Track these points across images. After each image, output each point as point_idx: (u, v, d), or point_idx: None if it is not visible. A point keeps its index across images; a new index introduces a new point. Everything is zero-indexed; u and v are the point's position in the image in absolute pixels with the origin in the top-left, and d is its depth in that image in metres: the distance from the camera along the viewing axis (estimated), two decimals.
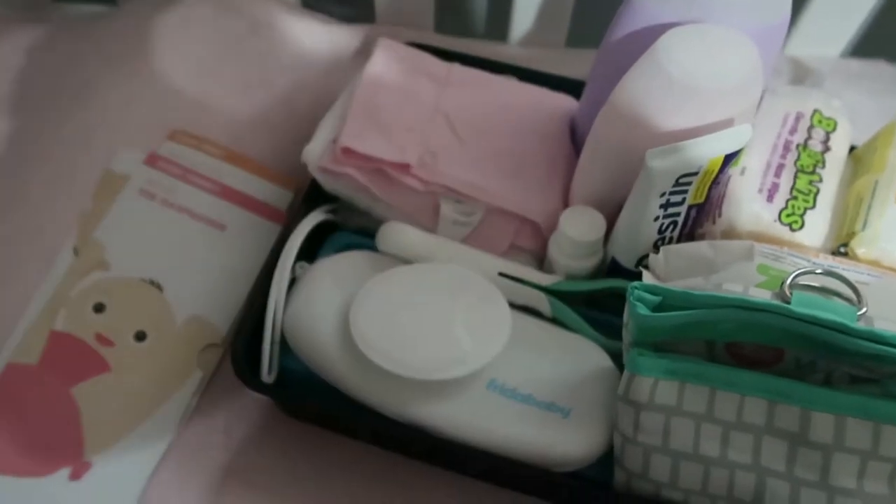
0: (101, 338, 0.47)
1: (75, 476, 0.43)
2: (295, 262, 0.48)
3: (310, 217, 0.50)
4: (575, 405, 0.43)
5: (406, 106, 0.52)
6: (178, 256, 0.52)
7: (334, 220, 0.53)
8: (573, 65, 0.60)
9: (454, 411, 0.43)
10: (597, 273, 0.49)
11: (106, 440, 0.45)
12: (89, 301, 0.48)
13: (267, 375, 0.45)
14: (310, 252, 0.49)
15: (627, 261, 0.47)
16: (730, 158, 0.42)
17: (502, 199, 0.50)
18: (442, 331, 0.44)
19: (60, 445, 0.44)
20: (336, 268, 0.48)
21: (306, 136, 0.58)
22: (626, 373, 0.40)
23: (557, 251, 0.48)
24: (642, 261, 0.47)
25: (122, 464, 0.44)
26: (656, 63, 0.40)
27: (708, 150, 0.41)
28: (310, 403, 0.46)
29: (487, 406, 0.43)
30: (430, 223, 0.51)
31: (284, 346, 0.46)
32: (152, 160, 0.55)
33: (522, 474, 0.43)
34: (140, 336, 0.48)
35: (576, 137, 0.55)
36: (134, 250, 0.51)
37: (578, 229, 0.47)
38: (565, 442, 0.42)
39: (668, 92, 0.40)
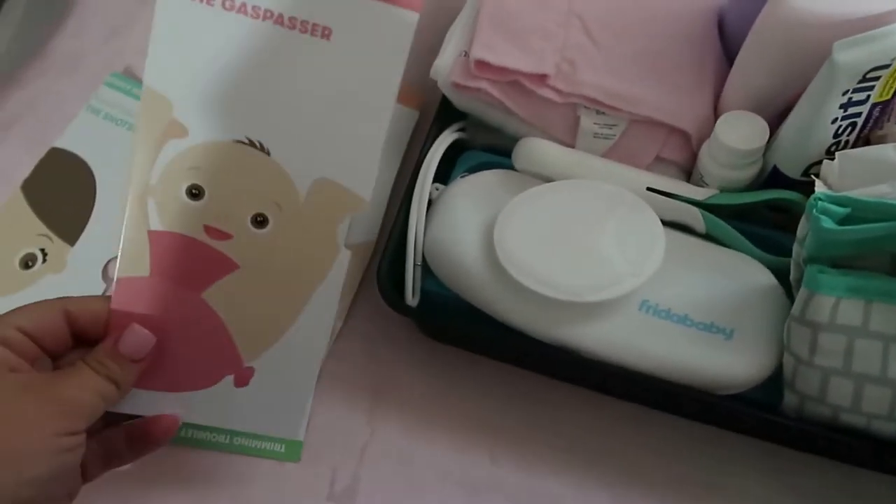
0: (211, 230, 0.38)
1: (241, 383, 0.39)
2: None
3: (443, 136, 0.48)
4: (738, 325, 0.41)
5: (538, 10, 0.48)
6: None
7: (465, 138, 0.51)
8: None
9: (606, 333, 0.41)
10: (753, 184, 0.45)
11: (259, 343, 0.39)
12: (179, 185, 0.37)
13: (411, 298, 0.45)
14: (439, 174, 0.48)
15: (792, 169, 0.43)
16: None
17: (648, 107, 0.46)
18: (592, 250, 0.42)
19: (215, 354, 0.38)
20: (473, 188, 0.46)
21: (424, 49, 0.55)
22: (802, 291, 0.37)
23: (711, 161, 0.45)
24: (810, 169, 0.43)
25: (286, 364, 0.39)
26: None
27: None
28: (454, 327, 0.45)
29: (641, 328, 0.41)
30: (569, 138, 0.48)
31: (426, 268, 0.45)
32: None
33: (682, 397, 0.41)
34: (260, 220, 0.38)
35: (725, 34, 0.49)
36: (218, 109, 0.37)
37: (738, 136, 0.43)
38: (730, 364, 0.40)
39: None
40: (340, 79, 0.37)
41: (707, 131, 0.46)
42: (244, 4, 0.36)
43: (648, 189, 0.45)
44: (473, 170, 0.49)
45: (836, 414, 0.37)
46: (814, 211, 0.35)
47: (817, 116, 0.39)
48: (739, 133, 0.43)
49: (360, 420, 0.45)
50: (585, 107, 0.47)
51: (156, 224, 0.37)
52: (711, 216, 0.44)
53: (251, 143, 0.37)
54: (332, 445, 0.44)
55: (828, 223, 0.34)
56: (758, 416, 0.40)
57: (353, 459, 0.44)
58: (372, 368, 0.47)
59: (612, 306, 0.41)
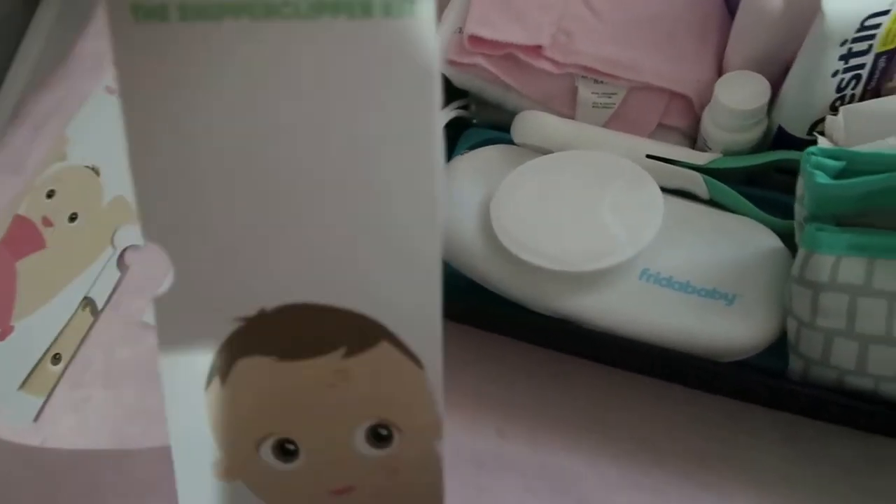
0: (45, 219, 0.52)
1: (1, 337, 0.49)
2: None
3: (442, 114, 0.48)
4: (740, 291, 0.39)
5: None
6: None
7: (466, 115, 0.51)
8: None
9: (606, 303, 0.41)
10: (760, 146, 0.44)
11: (26, 310, 0.49)
12: (45, 189, 0.54)
13: None
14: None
15: (797, 128, 0.42)
16: None
17: (647, 73, 0.45)
18: (589, 220, 0.41)
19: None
20: (473, 164, 0.46)
21: None
22: (801, 251, 0.35)
23: (713, 125, 0.43)
24: (816, 126, 0.41)
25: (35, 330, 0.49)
26: None
27: None
28: (456, 303, 0.45)
29: (642, 297, 0.41)
30: (569, 109, 0.47)
31: None
32: None
33: (684, 365, 0.40)
34: (73, 217, 0.52)
35: None
36: None
37: (737, 97, 0.42)
38: (730, 329, 0.39)
39: None
40: None
41: (710, 95, 0.45)
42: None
43: (648, 156, 0.44)
44: (475, 147, 0.49)
45: (841, 377, 0.36)
46: (807, 166, 0.34)
47: (816, 70, 0.38)
48: (740, 93, 0.42)
49: None
50: (583, 77, 0.46)
51: (21, 210, 0.53)
52: (714, 181, 0.43)
53: (91, 168, 0.54)
54: None
55: (822, 178, 0.33)
56: (757, 380, 0.39)
57: None
58: None
59: (612, 276, 0.41)
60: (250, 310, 0.26)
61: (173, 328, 0.26)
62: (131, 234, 0.51)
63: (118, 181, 0.53)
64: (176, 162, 0.24)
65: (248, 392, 0.27)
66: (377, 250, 0.25)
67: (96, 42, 0.62)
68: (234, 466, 0.28)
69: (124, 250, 0.51)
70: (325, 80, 0.23)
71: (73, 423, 0.46)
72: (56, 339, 0.48)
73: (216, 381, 0.27)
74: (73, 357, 0.48)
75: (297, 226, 0.25)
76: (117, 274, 0.50)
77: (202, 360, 0.27)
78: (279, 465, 0.28)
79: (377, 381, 0.27)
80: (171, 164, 0.24)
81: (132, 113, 0.24)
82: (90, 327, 0.48)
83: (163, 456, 0.45)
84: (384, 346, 0.26)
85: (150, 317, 0.48)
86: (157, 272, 0.50)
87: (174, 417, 0.28)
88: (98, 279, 0.49)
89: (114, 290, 0.49)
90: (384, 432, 0.28)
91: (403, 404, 0.28)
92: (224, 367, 0.27)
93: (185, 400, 0.27)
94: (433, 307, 0.26)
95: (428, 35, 0.23)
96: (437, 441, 0.28)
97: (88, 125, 0.56)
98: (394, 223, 0.25)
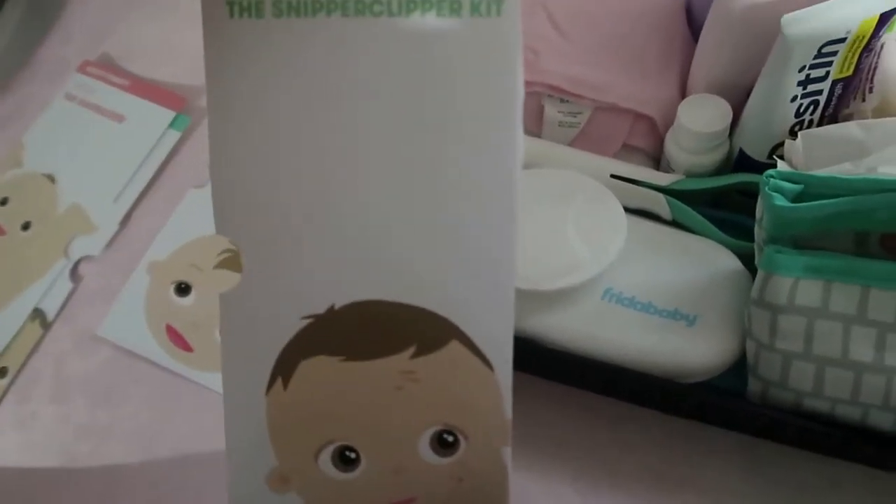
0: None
1: None
2: None
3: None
4: (701, 312, 0.40)
5: None
6: None
7: None
8: None
9: (568, 322, 0.40)
10: (722, 169, 0.45)
11: None
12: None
13: None
14: None
15: (758, 152, 0.42)
16: (887, 18, 0.36)
17: (611, 93, 0.45)
18: (551, 239, 0.41)
19: None
20: None
21: None
22: (760, 273, 0.36)
23: (676, 147, 0.44)
24: (776, 150, 0.42)
25: None
26: None
27: (859, 10, 0.34)
28: None
29: (604, 316, 0.40)
30: (534, 127, 0.47)
31: None
32: None
33: (645, 385, 0.40)
34: (25, 225, 0.51)
35: (693, 17, 0.49)
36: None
37: (699, 120, 0.42)
38: (690, 350, 0.39)
39: None
40: (133, 142, 0.53)
41: (674, 117, 0.45)
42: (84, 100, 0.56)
43: (612, 176, 0.44)
44: None
45: (799, 399, 0.36)
46: (766, 188, 0.34)
47: (776, 95, 0.38)
48: (702, 116, 0.42)
49: None
50: (549, 95, 0.46)
51: None
52: (676, 202, 0.43)
53: (47, 176, 0.52)
54: None
55: (780, 200, 0.34)
56: (716, 401, 0.39)
57: None
58: None
59: (575, 295, 0.41)
60: (320, 307, 0.25)
61: (238, 327, 0.25)
62: (86, 243, 0.50)
63: (75, 189, 0.51)
64: (255, 157, 0.24)
65: (311, 395, 0.26)
66: (450, 248, 0.25)
67: (59, 48, 0.61)
68: (291, 476, 0.27)
69: (78, 261, 0.49)
70: (411, 77, 0.24)
71: (18, 441, 0.45)
72: (2, 352, 0.46)
73: (278, 384, 0.26)
74: (20, 371, 0.46)
75: (372, 222, 0.25)
76: (70, 285, 0.48)
77: (265, 361, 0.26)
78: (338, 474, 0.27)
79: (445, 383, 0.26)
80: (251, 159, 0.24)
81: (218, 107, 0.24)
82: (39, 340, 0.47)
83: (112, 476, 0.44)
84: (454, 346, 0.26)
85: (102, 330, 0.47)
86: (111, 284, 0.49)
87: (232, 423, 0.26)
88: (50, 290, 0.48)
89: (65, 301, 0.48)
90: (450, 438, 0.27)
91: (471, 408, 0.27)
92: (287, 369, 0.26)
93: (244, 404, 0.26)
94: (505, 307, 0.26)
95: (512, 35, 0.24)
96: (504, 448, 0.27)
97: (47, 132, 0.54)
98: (469, 222, 0.25)
